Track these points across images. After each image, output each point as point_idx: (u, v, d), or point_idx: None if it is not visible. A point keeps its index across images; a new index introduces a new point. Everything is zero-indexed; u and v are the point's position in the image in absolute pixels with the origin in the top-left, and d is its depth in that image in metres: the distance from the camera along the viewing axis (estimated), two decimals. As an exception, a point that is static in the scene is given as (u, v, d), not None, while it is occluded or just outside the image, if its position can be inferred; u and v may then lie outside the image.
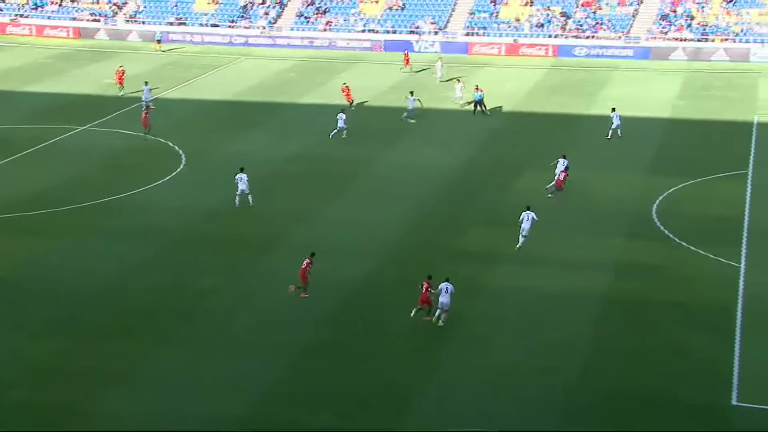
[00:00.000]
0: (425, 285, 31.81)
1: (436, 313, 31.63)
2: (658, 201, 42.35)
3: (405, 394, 27.78)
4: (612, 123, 51.31)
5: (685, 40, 70.97)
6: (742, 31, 70.43)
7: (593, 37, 72.18)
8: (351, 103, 56.52)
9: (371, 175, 45.81)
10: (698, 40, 70.67)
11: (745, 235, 38.60)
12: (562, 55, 71.40)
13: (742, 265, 35.90)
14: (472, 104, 55.95)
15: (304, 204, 41.78)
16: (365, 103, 57.94)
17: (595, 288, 34.51)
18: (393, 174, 46.16)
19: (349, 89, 56.97)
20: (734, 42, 70.00)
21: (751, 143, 50.15)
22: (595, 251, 37.04)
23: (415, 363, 29.31)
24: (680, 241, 38.15)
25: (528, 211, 37.27)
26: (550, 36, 72.64)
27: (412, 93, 55.58)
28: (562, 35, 72.31)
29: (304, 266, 32.48)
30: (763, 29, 70.25)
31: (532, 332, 31.49)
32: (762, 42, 69.32)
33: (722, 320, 32.08)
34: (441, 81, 62.99)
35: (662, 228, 39.41)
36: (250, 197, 41.01)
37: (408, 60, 66.82)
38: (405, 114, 54.58)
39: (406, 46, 72.43)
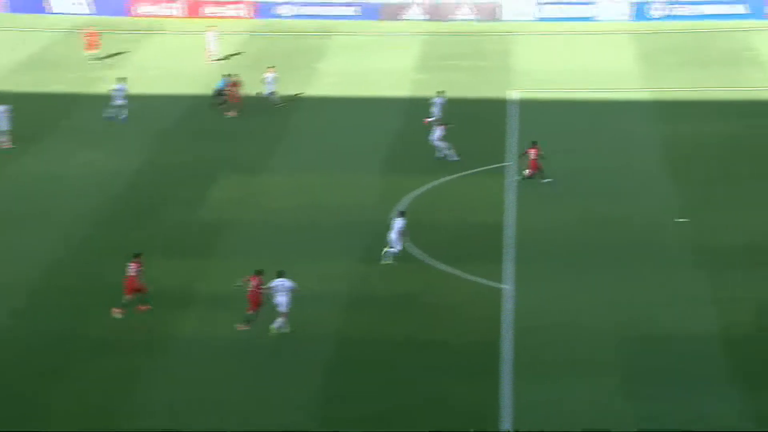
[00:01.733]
0: (255, 281, 32.95)
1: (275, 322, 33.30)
2: (399, 208, 43.07)
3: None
4: (436, 110, 51.56)
5: (423, -7, 73.25)
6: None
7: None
8: None
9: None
10: (438, -6, 73.18)
11: (509, 247, 39.89)
12: (262, 16, 71.35)
13: (509, 287, 37.00)
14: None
15: None
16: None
17: (324, 328, 34.50)
18: (31, 189, 44.02)
19: None
20: (481, -5, 73.15)
21: (510, 128, 52.20)
22: (321, 280, 37.17)
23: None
24: (431, 260, 38.93)
25: (401, 218, 38.18)
26: (245, -10, 72.55)
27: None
28: (262, -11, 72.39)
29: None
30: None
31: (232, 395, 30.75)
32: (514, -5, 72.77)
33: (489, 360, 32.78)
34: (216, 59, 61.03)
35: (407, 243, 40.05)
36: None
37: (93, 41, 62.47)
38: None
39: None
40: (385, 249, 38.45)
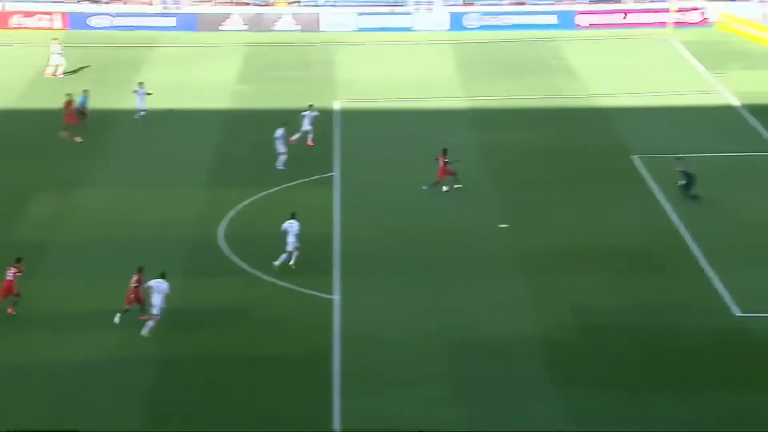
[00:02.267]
0: (136, 278, 33.88)
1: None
2: (224, 222, 42.45)
3: None
4: (306, 125, 50.85)
5: (243, 4, 72.60)
6: (309, -8, 73.68)
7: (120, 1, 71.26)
8: None
9: None
10: (258, 5, 72.64)
11: (337, 258, 39.89)
12: (75, 27, 69.57)
13: (337, 298, 36.94)
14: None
15: None
16: None
17: (147, 348, 33.78)
18: None
19: None
20: (301, 6, 72.98)
21: (335, 138, 52.25)
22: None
23: None
24: (260, 273, 38.53)
25: (293, 220, 38.08)
26: (56, 1, 70.43)
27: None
28: (74, -2, 70.45)
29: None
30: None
31: (47, 420, 29.94)
32: (333, 5, 72.90)
33: (321, 373, 32.64)
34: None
35: (234, 257, 39.53)
36: None
37: None
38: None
39: None
40: (283, 256, 38.10)
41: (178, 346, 34.20)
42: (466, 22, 72.30)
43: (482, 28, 72.02)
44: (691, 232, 41.20)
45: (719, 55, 65.61)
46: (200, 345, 34.28)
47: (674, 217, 42.72)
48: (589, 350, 33.78)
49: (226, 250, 40.19)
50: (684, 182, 43.53)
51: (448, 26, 72.16)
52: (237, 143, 51.57)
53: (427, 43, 68.76)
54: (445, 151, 45.62)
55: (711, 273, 38.04)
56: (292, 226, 38.63)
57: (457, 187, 44.96)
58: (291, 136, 49.04)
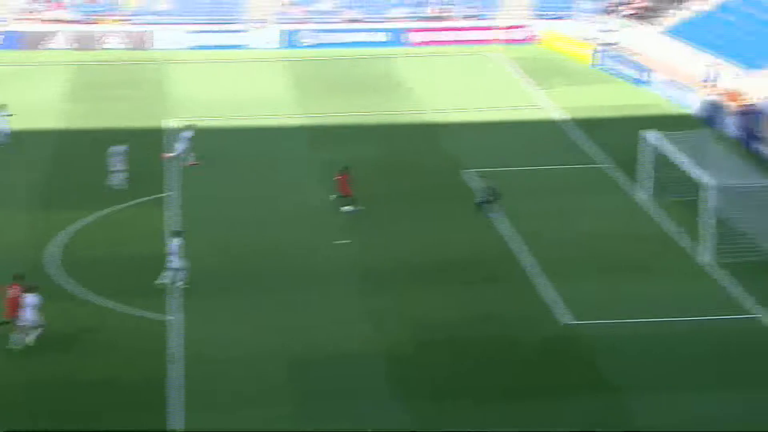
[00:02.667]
0: (13, 289, 33.46)
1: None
2: (53, 245, 41.30)
3: None
4: (181, 145, 49.45)
5: (70, 21, 70.89)
6: (138, 10, 72.31)
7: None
8: None
9: None
10: (86, 22, 71.05)
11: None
12: None
13: (175, 319, 36.28)
14: None
15: None
16: None
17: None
18: None
19: None
20: (131, 24, 71.72)
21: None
22: None
23: None
24: (93, 296, 37.61)
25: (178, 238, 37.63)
26: None
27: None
28: None
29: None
30: (165, 5, 72.88)
31: None
32: (165, 23, 71.88)
33: (158, 396, 31.94)
34: None
35: (65, 280, 38.43)
36: None
37: None
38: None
39: None
40: (167, 274, 37.61)
41: (5, 374, 32.91)
42: (300, 40, 72.22)
43: (316, 45, 72.09)
44: (523, 244, 41.92)
45: (545, 72, 67.05)
46: (28, 371, 33.09)
47: (505, 230, 43.34)
48: (430, 363, 33.95)
49: (56, 274, 39.06)
50: (482, 200, 44.20)
51: (282, 44, 71.97)
52: (65, 163, 50.25)
53: (261, 61, 68.43)
54: (344, 169, 45.34)
55: (541, 283, 38.78)
56: (175, 244, 37.91)
57: (352, 209, 44.84)
58: (126, 157, 47.90)
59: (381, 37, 72.94)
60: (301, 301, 37.75)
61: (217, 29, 72.03)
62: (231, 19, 72.80)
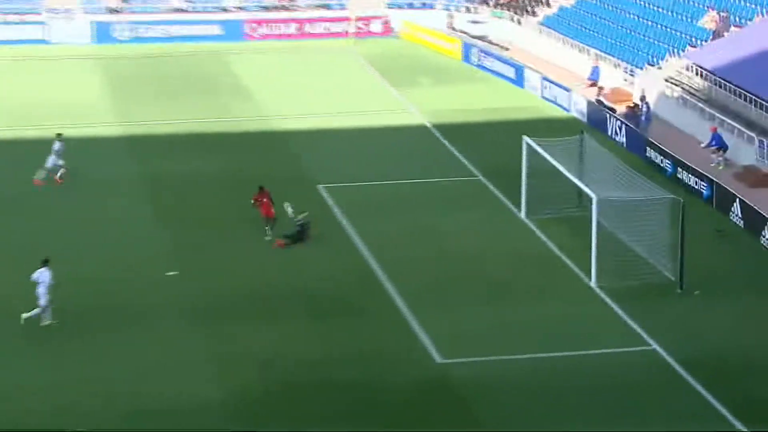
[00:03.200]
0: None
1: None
2: None
3: None
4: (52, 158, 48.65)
5: None
6: None
7: None
8: None
9: None
10: None
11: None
12: None
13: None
14: None
15: None
16: None
17: None
18: None
19: None
20: None
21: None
22: None
23: None
24: None
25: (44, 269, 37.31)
26: None
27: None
28: None
29: None
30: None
31: None
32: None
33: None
34: None
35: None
36: None
37: None
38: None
39: None
40: (35, 311, 37.12)
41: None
42: (115, 34, 71.80)
43: (135, 40, 71.65)
44: (389, 271, 42.29)
45: (406, 69, 67.99)
46: None
47: (368, 254, 43.78)
48: (281, 410, 34.00)
49: None
50: (290, 234, 44.34)
51: (92, 39, 71.33)
52: None
53: (69, 59, 67.79)
54: (261, 189, 45.15)
55: (409, 314, 39.22)
56: (43, 274, 37.54)
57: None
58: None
59: (215, 30, 72.96)
60: (126, 343, 37.19)
61: (12, 20, 71.00)
62: (29, 9, 71.71)
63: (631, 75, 61.80)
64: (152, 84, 63.90)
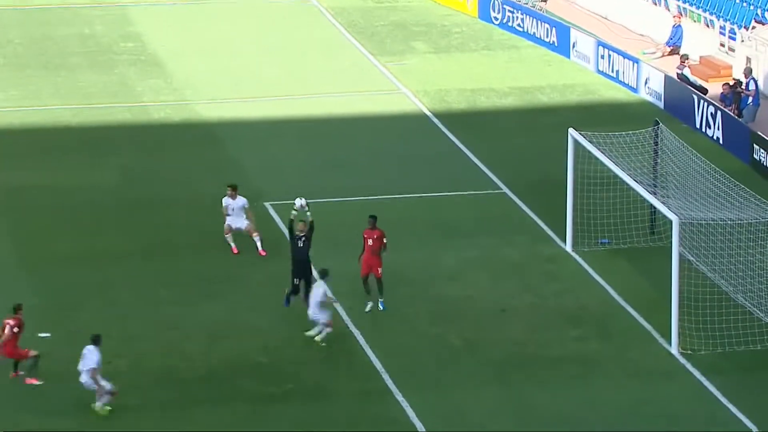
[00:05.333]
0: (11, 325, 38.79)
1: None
2: None
3: None
4: None
5: None
6: None
7: None
8: None
9: None
10: None
11: None
12: None
13: None
14: None
15: None
16: None
17: None
18: None
19: None
20: None
21: None
22: None
23: None
24: None
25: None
26: None
27: None
28: None
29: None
30: None
31: None
32: None
33: None
34: None
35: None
36: None
37: None
38: None
39: None
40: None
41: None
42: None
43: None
44: (369, 337, 42.36)
45: (393, 29, 68.16)
46: None
47: (337, 309, 43.80)
48: None
49: None
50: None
51: None
52: None
53: None
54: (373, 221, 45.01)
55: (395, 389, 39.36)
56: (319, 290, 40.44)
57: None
58: None
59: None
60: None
61: None
62: None
63: (731, 38, 61.77)
64: (11, 50, 64.15)
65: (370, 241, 43.81)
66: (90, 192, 51.98)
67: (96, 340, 38.67)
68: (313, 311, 41.54)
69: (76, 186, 52.31)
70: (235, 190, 46.80)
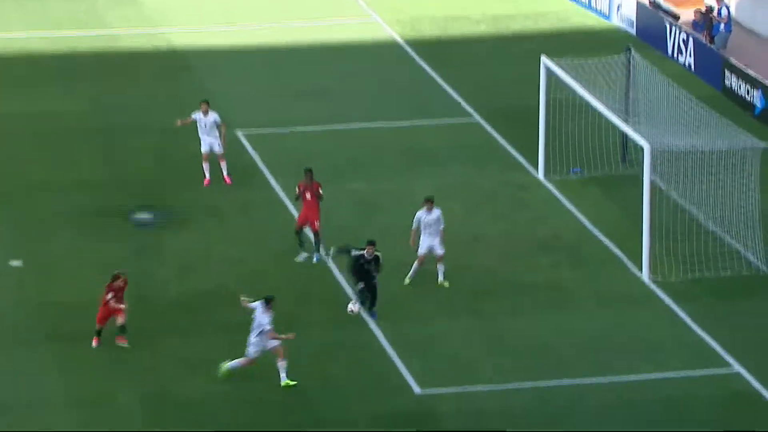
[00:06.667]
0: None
1: None
2: None
3: None
4: None
5: None
6: None
7: None
8: None
9: None
10: None
11: None
12: None
13: None
14: None
15: None
16: None
17: None
18: None
19: None
20: None
21: None
22: None
23: None
24: None
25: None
26: None
27: None
28: None
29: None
30: None
31: None
32: None
33: None
34: None
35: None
36: None
37: None
38: None
39: None
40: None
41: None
42: None
43: None
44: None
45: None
46: None
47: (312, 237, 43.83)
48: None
49: None
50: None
51: None
52: None
53: None
54: (309, 173, 44.34)
55: (380, 334, 39.47)
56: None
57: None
58: None
59: None
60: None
61: None
62: None
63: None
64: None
65: (308, 195, 42.83)
66: (61, 120, 52.04)
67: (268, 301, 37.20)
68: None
69: (47, 114, 52.31)
70: (207, 105, 46.58)
